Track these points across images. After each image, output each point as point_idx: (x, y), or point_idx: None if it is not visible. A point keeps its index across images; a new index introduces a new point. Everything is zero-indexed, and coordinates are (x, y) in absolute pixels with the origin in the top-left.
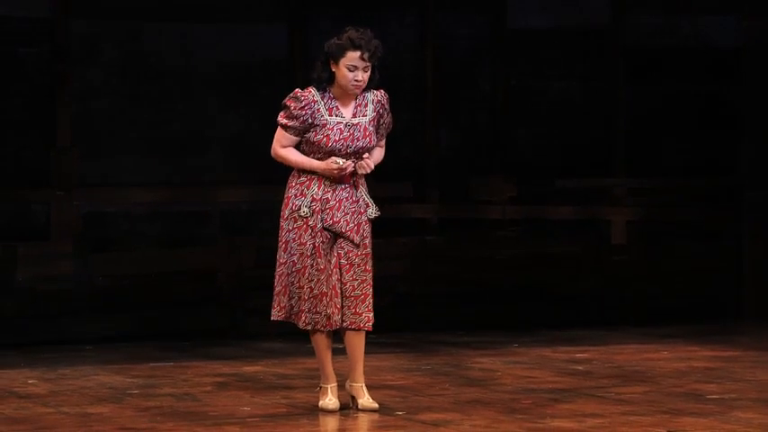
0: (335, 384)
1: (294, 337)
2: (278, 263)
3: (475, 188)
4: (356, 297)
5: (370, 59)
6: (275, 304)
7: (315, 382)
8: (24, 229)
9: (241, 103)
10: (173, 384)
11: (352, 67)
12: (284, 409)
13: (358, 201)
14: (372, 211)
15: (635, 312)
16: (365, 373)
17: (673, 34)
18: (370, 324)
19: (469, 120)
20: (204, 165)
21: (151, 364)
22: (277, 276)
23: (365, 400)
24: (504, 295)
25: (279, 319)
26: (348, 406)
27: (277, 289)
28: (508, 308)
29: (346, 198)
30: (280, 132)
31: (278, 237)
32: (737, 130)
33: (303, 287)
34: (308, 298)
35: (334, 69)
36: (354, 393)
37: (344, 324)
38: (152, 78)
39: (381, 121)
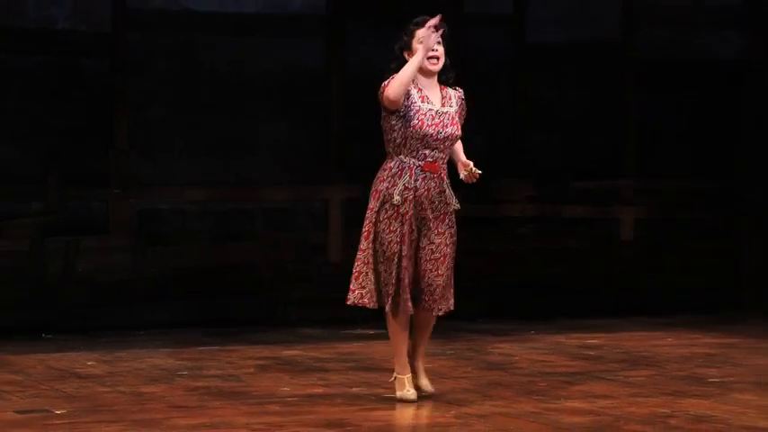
0: (411, 375)
1: (329, 324)
2: (360, 250)
3: (496, 189)
4: (439, 285)
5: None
6: (356, 288)
7: (348, 366)
8: (85, 224)
9: (284, 110)
10: (218, 367)
11: None
12: (320, 390)
13: (444, 191)
14: (455, 202)
15: (642, 303)
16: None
17: (679, 47)
18: (449, 309)
19: (492, 126)
20: (250, 166)
21: (199, 348)
22: (361, 263)
23: (424, 381)
24: (522, 287)
25: (360, 304)
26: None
27: (361, 276)
28: (526, 298)
29: (434, 187)
30: (384, 95)
31: (362, 227)
32: (738, 137)
33: (392, 273)
34: (395, 283)
35: (408, 58)
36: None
37: (428, 310)
38: (202, 87)
39: (463, 113)
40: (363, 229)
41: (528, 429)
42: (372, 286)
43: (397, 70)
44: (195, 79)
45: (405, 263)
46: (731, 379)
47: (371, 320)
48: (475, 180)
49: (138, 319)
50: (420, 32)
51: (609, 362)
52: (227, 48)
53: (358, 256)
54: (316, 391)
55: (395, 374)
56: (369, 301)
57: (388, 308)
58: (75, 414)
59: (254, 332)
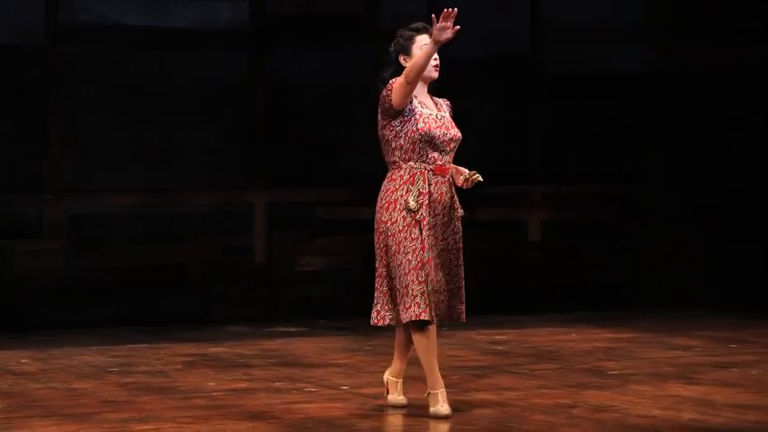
0: (444, 389)
1: (254, 322)
2: (382, 266)
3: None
4: (458, 290)
5: None
6: (380, 309)
7: (271, 362)
8: (19, 228)
9: (211, 119)
10: (147, 363)
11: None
12: (244, 385)
13: (453, 196)
14: (460, 208)
15: (548, 300)
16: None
17: (583, 62)
18: (459, 319)
19: None
20: (179, 173)
21: (129, 346)
22: (381, 281)
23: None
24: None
25: (383, 324)
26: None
27: (383, 296)
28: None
29: (445, 192)
30: (396, 88)
31: (376, 242)
32: (638, 145)
33: (424, 281)
34: (429, 291)
35: (408, 63)
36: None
37: (445, 317)
38: (133, 97)
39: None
40: (381, 244)
41: (439, 419)
42: (390, 304)
43: (392, 77)
44: (126, 90)
45: (431, 270)
46: (629, 371)
47: (293, 319)
48: (473, 185)
49: (71, 318)
50: (436, 26)
51: (516, 356)
52: (155, 60)
53: (378, 274)
54: (240, 385)
55: (428, 391)
56: (390, 320)
57: (425, 316)
58: (9, 410)
59: (181, 330)
